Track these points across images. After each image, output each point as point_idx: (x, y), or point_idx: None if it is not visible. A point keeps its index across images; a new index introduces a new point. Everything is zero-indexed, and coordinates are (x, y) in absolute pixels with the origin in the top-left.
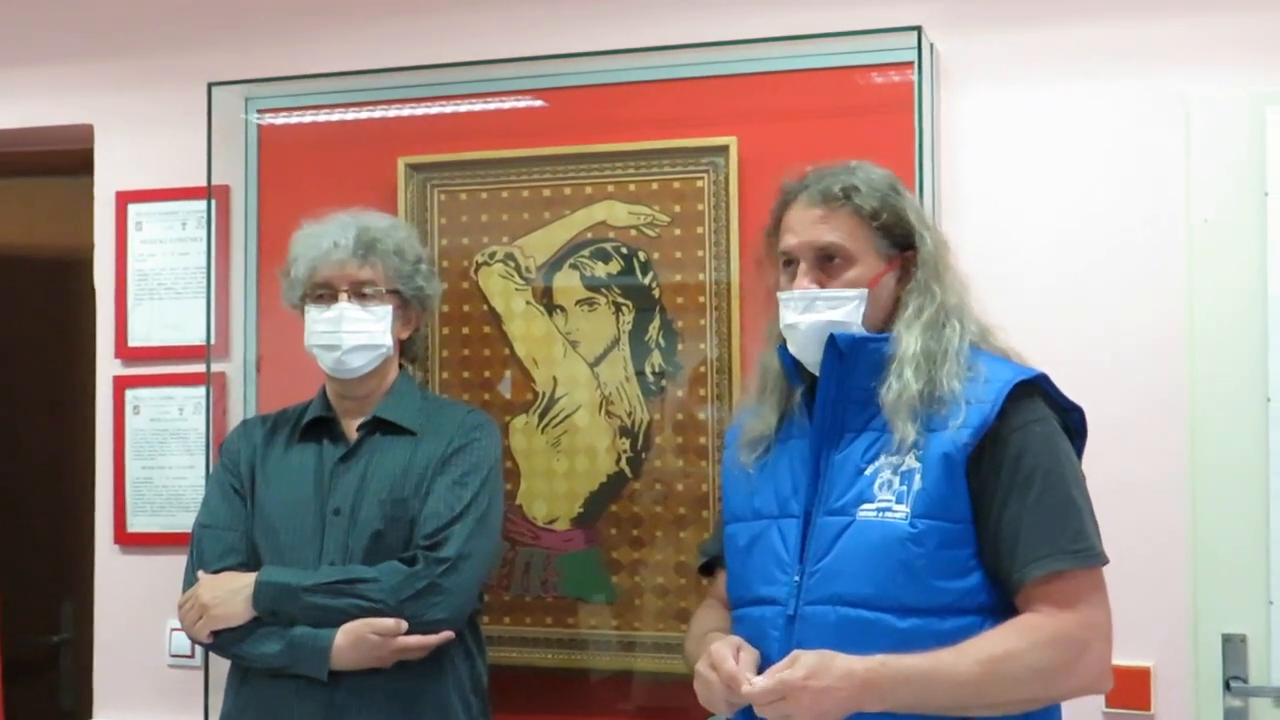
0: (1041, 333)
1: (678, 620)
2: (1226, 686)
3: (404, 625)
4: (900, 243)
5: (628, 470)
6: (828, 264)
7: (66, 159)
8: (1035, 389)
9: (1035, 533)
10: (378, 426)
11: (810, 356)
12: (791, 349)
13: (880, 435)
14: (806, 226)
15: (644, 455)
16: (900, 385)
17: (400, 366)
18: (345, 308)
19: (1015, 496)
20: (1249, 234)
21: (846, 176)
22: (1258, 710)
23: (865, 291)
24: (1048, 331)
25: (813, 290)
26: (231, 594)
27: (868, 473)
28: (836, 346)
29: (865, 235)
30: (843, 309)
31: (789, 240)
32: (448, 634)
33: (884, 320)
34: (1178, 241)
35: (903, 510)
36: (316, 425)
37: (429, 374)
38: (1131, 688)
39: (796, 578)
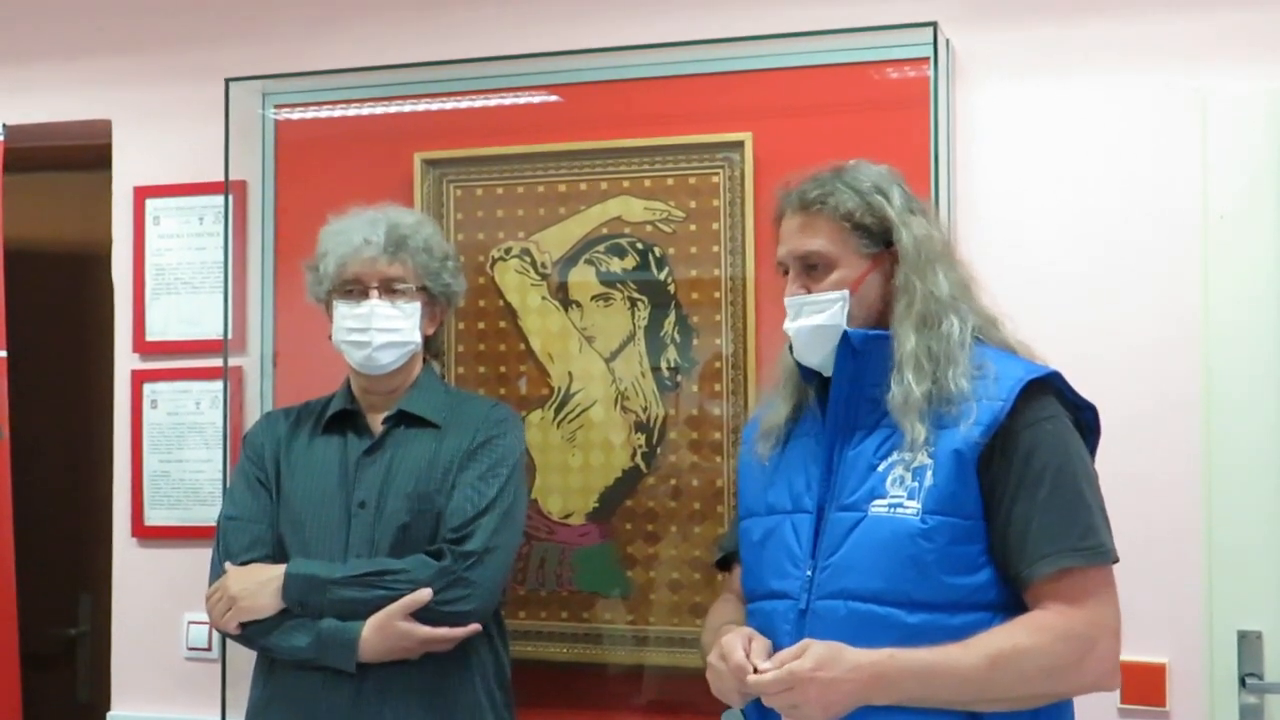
0: (1058, 328)
1: (692, 615)
2: (1242, 683)
3: (428, 593)
4: (883, 240)
5: (642, 465)
6: (812, 270)
7: (85, 154)
8: (1048, 386)
9: (1045, 530)
10: (402, 420)
11: (809, 359)
12: (794, 353)
13: (892, 433)
14: (790, 235)
15: (659, 450)
16: (903, 390)
17: (424, 361)
18: (376, 304)
19: (1025, 493)
20: (1266, 229)
21: (827, 181)
22: (1273, 707)
23: (846, 294)
24: (1064, 327)
25: (800, 296)
26: (260, 586)
27: (880, 469)
28: (850, 344)
29: (844, 238)
30: (826, 312)
31: (780, 250)
32: (474, 627)
33: (879, 319)
34: (1194, 237)
35: (914, 506)
36: (340, 418)
37: (444, 368)
38: (1146, 684)
39: (808, 572)
